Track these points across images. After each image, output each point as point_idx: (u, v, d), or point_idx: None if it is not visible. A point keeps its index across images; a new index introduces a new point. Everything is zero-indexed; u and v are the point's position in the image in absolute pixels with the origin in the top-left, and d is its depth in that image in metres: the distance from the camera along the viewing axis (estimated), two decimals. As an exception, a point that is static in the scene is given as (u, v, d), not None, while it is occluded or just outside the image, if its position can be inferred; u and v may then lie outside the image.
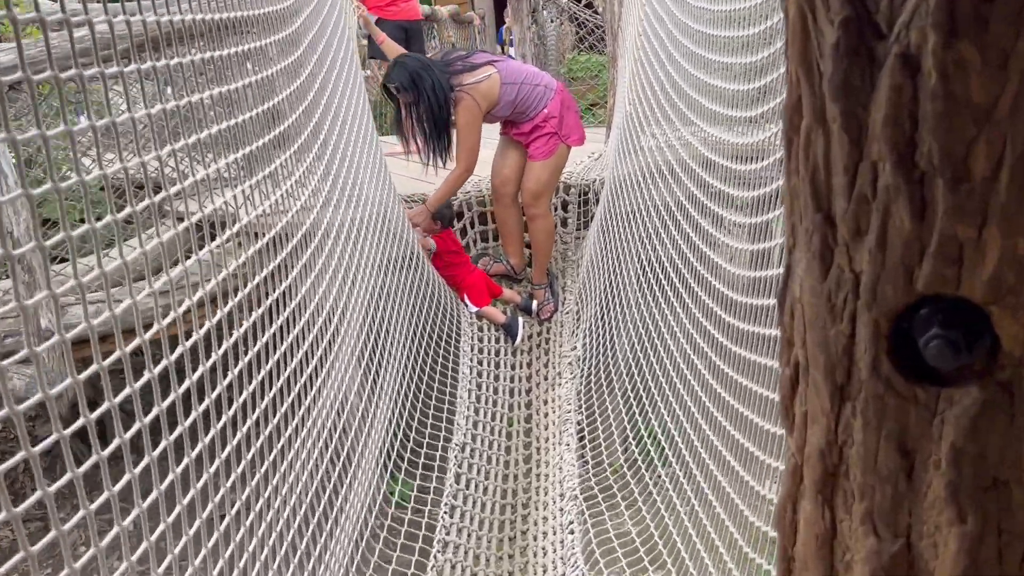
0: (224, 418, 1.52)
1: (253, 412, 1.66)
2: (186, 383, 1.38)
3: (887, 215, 0.43)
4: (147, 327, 1.26)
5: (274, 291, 1.83)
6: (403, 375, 3.05)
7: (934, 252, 0.42)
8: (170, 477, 1.34)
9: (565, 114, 3.70)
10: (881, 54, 0.42)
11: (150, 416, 1.25)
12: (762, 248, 2.14)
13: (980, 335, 0.43)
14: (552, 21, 7.94)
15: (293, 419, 1.93)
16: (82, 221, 1.13)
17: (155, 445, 1.27)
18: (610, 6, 4.55)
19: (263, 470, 1.70)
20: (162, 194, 1.37)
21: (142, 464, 1.25)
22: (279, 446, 1.81)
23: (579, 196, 4.32)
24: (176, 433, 1.34)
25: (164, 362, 1.30)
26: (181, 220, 1.48)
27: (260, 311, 1.72)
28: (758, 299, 2.05)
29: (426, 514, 2.70)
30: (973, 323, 0.43)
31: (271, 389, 1.78)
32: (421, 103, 3.56)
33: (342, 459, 2.26)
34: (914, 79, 0.40)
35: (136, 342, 1.22)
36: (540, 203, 3.85)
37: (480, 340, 3.73)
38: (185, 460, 1.40)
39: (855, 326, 0.47)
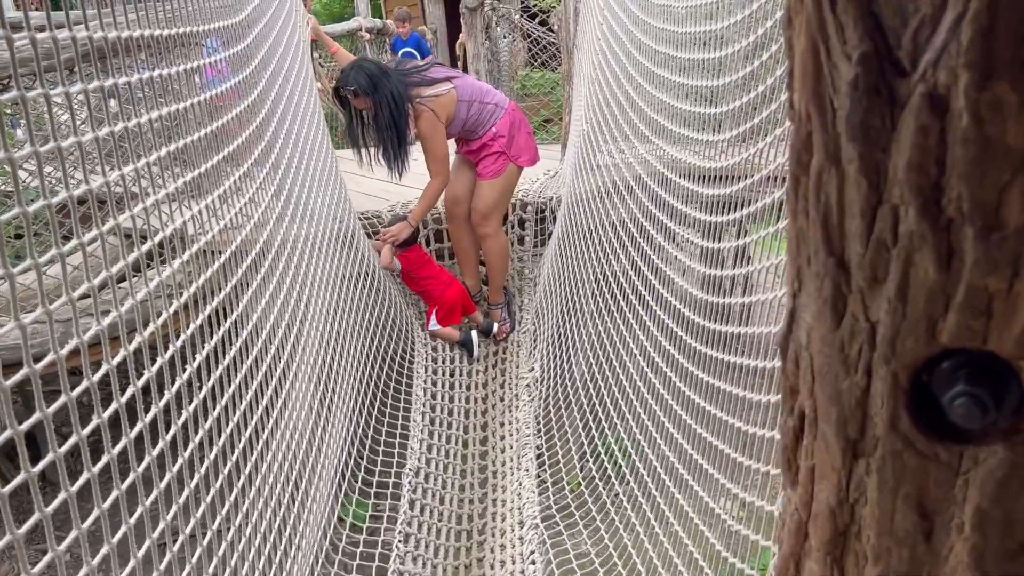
0: (167, 435, 1.45)
1: (218, 436, 1.59)
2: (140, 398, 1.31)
3: (909, 263, 0.40)
4: (87, 347, 1.18)
5: (225, 312, 1.76)
6: (358, 397, 2.99)
7: (960, 304, 0.39)
8: (113, 494, 1.27)
9: (515, 134, 3.67)
10: (904, 93, 0.39)
11: (118, 448, 1.18)
12: (715, 273, 2.14)
13: (1007, 391, 0.40)
14: (505, 37, 7.94)
15: (257, 443, 1.87)
16: (19, 236, 1.06)
17: (91, 466, 1.20)
18: (565, 25, 4.55)
19: (226, 493, 1.64)
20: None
21: (79, 482, 1.18)
22: (246, 471, 1.74)
23: (535, 214, 4.30)
24: (121, 449, 1.27)
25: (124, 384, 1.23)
26: (128, 237, 1.42)
27: (218, 334, 1.66)
28: (712, 323, 2.05)
29: (379, 543, 2.63)
30: (1000, 379, 0.40)
31: (231, 415, 1.72)
32: (380, 110, 3.48)
33: (303, 483, 2.19)
34: (942, 120, 0.38)
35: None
36: (490, 222, 3.80)
37: (434, 361, 3.67)
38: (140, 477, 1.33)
39: (871, 378, 0.44)
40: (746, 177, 1.95)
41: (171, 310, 1.49)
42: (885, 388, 0.43)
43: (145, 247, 1.43)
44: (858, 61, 0.40)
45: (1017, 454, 0.41)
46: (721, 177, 2.12)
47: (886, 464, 0.44)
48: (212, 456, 1.64)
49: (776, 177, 1.77)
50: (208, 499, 1.60)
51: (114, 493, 1.27)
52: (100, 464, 1.22)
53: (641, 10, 2.62)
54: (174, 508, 1.47)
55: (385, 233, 3.75)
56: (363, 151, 3.64)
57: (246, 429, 1.80)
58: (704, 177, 2.18)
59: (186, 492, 1.51)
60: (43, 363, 1.08)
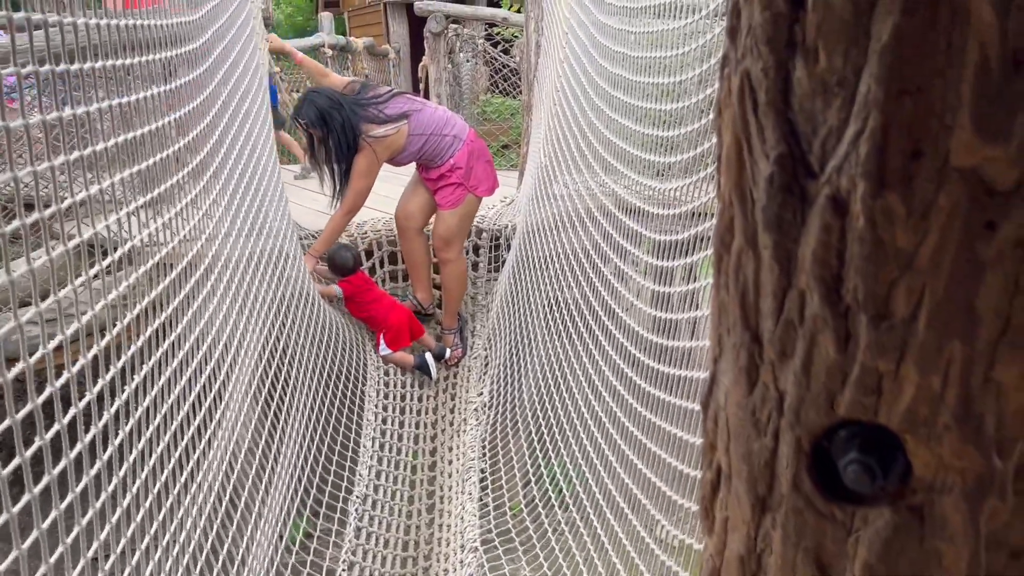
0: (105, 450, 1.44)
1: (149, 454, 1.59)
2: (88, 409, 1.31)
3: (813, 342, 0.45)
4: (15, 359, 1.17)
5: (162, 324, 1.75)
6: (309, 418, 2.97)
7: (855, 381, 0.44)
8: (52, 515, 1.26)
9: (474, 164, 3.72)
10: (812, 192, 0.44)
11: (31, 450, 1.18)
12: (664, 291, 2.20)
13: (895, 460, 0.45)
14: (468, 62, 8.03)
15: (188, 461, 1.86)
16: None
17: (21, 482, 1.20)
18: (527, 56, 4.64)
19: (154, 512, 1.62)
20: (50, 210, 1.29)
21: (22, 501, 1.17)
22: (175, 491, 1.73)
23: (491, 241, 4.35)
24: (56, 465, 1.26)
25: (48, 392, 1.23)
26: (76, 247, 1.41)
27: (156, 346, 1.65)
28: (656, 361, 2.10)
29: (324, 570, 2.62)
30: (889, 449, 0.45)
31: (162, 430, 1.70)
32: (330, 139, 3.54)
33: (242, 503, 2.18)
34: (842, 220, 0.43)
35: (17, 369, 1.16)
36: (451, 248, 3.85)
37: (386, 385, 3.68)
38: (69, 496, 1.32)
39: (778, 442, 0.49)
40: (699, 219, 2.02)
41: (119, 327, 1.49)
42: (790, 451, 0.48)
43: (57, 249, 1.43)
44: (775, 161, 0.45)
45: (901, 517, 0.45)
46: (674, 219, 2.19)
47: (789, 520, 0.49)
48: (143, 475, 1.61)
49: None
50: (138, 518, 1.58)
51: (52, 514, 1.26)
52: (40, 486, 1.21)
53: (600, 54, 2.70)
54: (107, 528, 1.46)
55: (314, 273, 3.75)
56: (323, 172, 3.67)
57: (176, 448, 1.78)
58: (655, 218, 2.25)
59: (119, 511, 1.49)
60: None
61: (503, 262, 4.27)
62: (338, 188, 3.64)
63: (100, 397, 1.40)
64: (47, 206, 1.25)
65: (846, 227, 0.42)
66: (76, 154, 1.32)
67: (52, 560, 1.21)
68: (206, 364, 2.01)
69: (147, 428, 1.61)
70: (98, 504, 1.38)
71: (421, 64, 7.86)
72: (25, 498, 1.16)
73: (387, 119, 3.57)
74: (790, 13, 0.44)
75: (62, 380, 1.25)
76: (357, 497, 2.91)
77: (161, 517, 1.68)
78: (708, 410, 0.57)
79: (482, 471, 2.98)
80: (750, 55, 0.46)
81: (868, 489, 0.45)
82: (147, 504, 1.60)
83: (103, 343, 1.42)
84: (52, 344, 1.25)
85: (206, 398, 2.00)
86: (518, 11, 7.94)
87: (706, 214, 2.02)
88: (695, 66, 2.05)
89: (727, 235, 0.50)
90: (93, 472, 1.37)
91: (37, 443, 1.20)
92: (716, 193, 0.54)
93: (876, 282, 0.42)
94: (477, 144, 3.77)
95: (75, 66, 1.36)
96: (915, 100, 0.40)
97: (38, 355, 1.19)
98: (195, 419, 1.91)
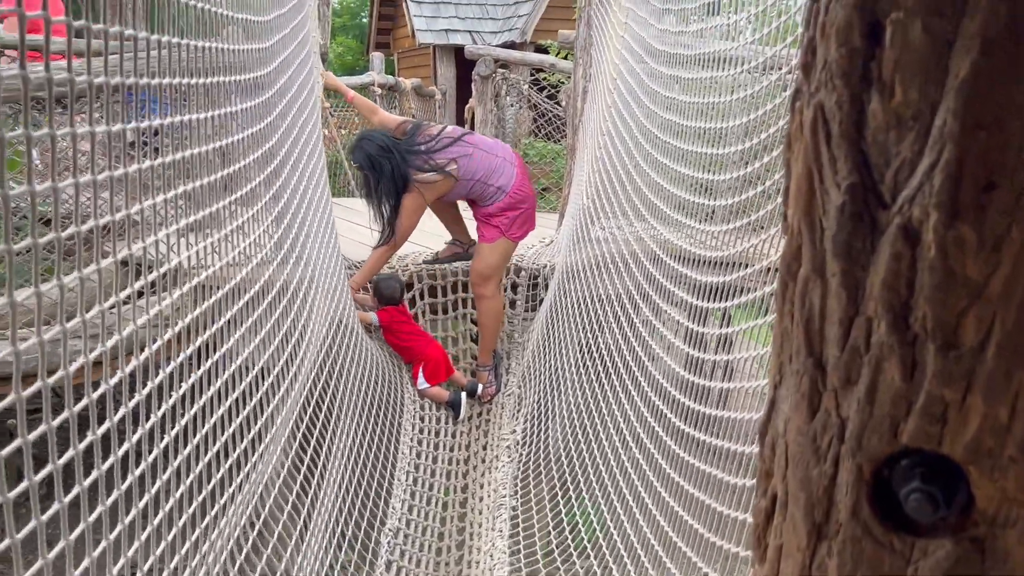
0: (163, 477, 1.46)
1: (186, 474, 1.60)
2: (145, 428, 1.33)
3: (878, 370, 0.46)
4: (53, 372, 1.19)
5: (205, 345, 1.77)
6: (349, 451, 2.97)
7: (920, 410, 0.45)
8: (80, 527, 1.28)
9: (514, 215, 3.79)
10: (883, 222, 0.45)
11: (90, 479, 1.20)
12: (698, 355, 2.19)
13: (957, 491, 0.46)
14: (512, 106, 8.16)
15: (226, 487, 1.87)
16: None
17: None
18: (573, 101, 4.70)
19: (188, 532, 1.64)
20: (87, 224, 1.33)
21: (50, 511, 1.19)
22: (211, 512, 1.74)
23: (529, 280, 4.38)
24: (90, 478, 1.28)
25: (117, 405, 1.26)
26: (124, 264, 1.45)
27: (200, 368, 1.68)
28: (693, 402, 2.10)
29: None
30: (951, 479, 0.45)
31: (201, 451, 1.71)
32: (381, 183, 3.67)
33: (276, 532, 2.18)
34: (913, 249, 0.44)
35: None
36: (488, 284, 3.89)
37: (421, 419, 3.69)
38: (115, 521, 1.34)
39: (838, 469, 0.49)
40: (736, 267, 2.03)
41: (159, 342, 1.52)
42: (850, 479, 0.49)
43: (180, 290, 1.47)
44: (846, 190, 0.46)
45: (962, 549, 0.45)
46: (711, 263, 2.20)
47: (846, 548, 0.49)
48: (178, 494, 1.61)
49: (768, 270, 1.84)
50: (169, 537, 1.57)
51: (81, 526, 1.27)
52: (71, 495, 1.22)
53: (649, 98, 2.74)
54: (136, 544, 1.45)
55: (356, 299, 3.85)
56: (376, 213, 3.77)
57: (215, 472, 1.78)
58: (694, 261, 2.26)
59: (148, 529, 1.49)
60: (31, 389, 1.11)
61: (540, 301, 4.30)
62: (386, 225, 3.74)
63: (136, 413, 1.42)
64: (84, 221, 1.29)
65: (917, 256, 0.43)
66: (119, 171, 1.36)
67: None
68: (253, 389, 2.03)
69: (184, 448, 1.63)
70: (127, 519, 1.39)
71: (468, 106, 7.99)
72: (54, 507, 1.17)
73: (435, 167, 3.66)
74: (866, 49, 0.45)
75: (98, 392, 1.27)
76: (389, 530, 2.90)
77: (194, 539, 1.68)
78: (765, 437, 0.57)
79: (513, 509, 2.96)
80: (824, 88, 0.48)
81: (929, 519, 0.46)
82: (180, 525, 1.60)
83: (141, 358, 1.44)
84: (92, 355, 1.28)
85: (254, 422, 2.02)
86: (565, 58, 8.07)
87: (742, 264, 2.03)
88: (739, 116, 2.08)
89: (794, 263, 0.51)
90: (124, 486, 1.38)
91: (69, 453, 1.21)
92: (782, 224, 0.56)
93: (945, 311, 0.43)
94: (521, 193, 3.82)
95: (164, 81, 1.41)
96: (990, 134, 0.41)
97: (75, 365, 1.22)
98: (239, 443, 1.93)
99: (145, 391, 1.45)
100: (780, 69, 1.97)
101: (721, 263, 2.10)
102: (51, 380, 1.13)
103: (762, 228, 1.95)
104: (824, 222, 0.48)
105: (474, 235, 4.10)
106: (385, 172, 3.61)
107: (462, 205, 4.21)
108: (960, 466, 0.45)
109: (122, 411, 1.34)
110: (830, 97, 0.47)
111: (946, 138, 0.42)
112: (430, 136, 3.78)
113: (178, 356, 1.60)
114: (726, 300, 2.08)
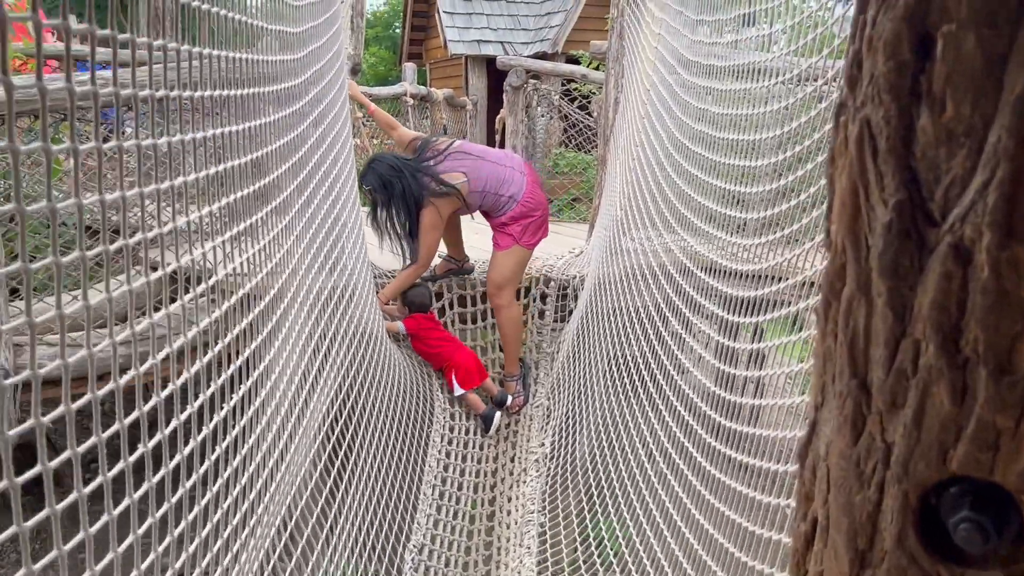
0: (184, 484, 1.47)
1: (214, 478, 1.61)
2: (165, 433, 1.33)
3: (926, 393, 0.44)
4: (102, 377, 1.20)
5: (238, 353, 1.77)
6: (375, 463, 2.96)
7: (971, 436, 0.43)
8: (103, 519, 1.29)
9: (526, 223, 3.84)
10: (932, 240, 0.43)
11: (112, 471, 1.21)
12: (729, 371, 2.16)
13: (1008, 520, 0.44)
14: (543, 116, 8.15)
15: (251, 491, 1.87)
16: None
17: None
18: (605, 112, 4.69)
19: (209, 541, 1.64)
20: (137, 237, 1.33)
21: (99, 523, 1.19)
22: (234, 520, 1.74)
23: (558, 290, 4.36)
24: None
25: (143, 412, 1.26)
26: (155, 269, 1.46)
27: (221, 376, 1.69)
28: (724, 418, 2.07)
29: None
30: (1003, 508, 0.44)
31: (233, 458, 1.72)
32: (392, 205, 3.73)
33: (300, 545, 2.18)
34: (964, 269, 0.42)
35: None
36: (504, 294, 3.92)
37: (450, 430, 3.68)
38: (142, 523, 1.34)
39: (882, 495, 0.48)
40: (769, 280, 2.00)
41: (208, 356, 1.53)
42: (896, 505, 0.47)
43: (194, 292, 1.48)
44: (894, 207, 0.45)
45: (1015, 581, 0.44)
46: (743, 277, 2.17)
47: (891, 578, 0.47)
48: (204, 501, 1.60)
49: (803, 284, 1.81)
50: (190, 549, 1.56)
51: (104, 517, 1.27)
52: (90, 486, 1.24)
53: (681, 109, 2.72)
54: (167, 540, 1.45)
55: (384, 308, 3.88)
56: (385, 236, 3.82)
57: (243, 475, 1.79)
58: (727, 274, 2.23)
59: (168, 540, 1.49)
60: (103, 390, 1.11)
61: (569, 312, 4.28)
62: (403, 246, 3.81)
63: (188, 423, 1.43)
64: (133, 233, 1.30)
65: (968, 277, 0.42)
66: (162, 184, 1.37)
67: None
68: (277, 398, 2.04)
69: (233, 458, 1.63)
70: (141, 529, 1.39)
71: (499, 116, 8.01)
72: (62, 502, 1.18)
73: (444, 182, 3.73)
74: (915, 63, 0.44)
75: (149, 404, 1.28)
76: (414, 546, 2.88)
77: (217, 548, 1.68)
78: (805, 460, 0.56)
79: (541, 525, 2.93)
80: (871, 103, 0.47)
81: (979, 550, 0.44)
82: (203, 535, 1.60)
83: (192, 370, 1.45)
84: (146, 364, 1.29)
85: (281, 431, 2.02)
86: (596, 68, 8.05)
87: (775, 277, 2.01)
88: (773, 128, 2.05)
89: (837, 281, 0.50)
90: (140, 492, 1.39)
91: (121, 465, 1.22)
92: (824, 240, 0.54)
93: (999, 335, 0.41)
94: (532, 202, 3.86)
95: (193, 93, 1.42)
96: (1048, 151, 0.39)
97: (129, 375, 1.23)
98: (262, 453, 1.93)
99: (197, 403, 1.45)
100: (816, 81, 1.95)
101: (754, 276, 2.07)
102: (101, 392, 1.14)
103: (796, 241, 1.92)
104: (870, 240, 0.47)
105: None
106: (396, 193, 3.69)
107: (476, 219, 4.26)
108: (1012, 495, 0.43)
109: (174, 423, 1.34)
110: (877, 112, 0.46)
111: (1000, 155, 0.40)
112: (437, 151, 3.85)
113: (228, 368, 1.61)
114: (758, 314, 2.05)
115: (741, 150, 2.19)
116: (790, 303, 1.88)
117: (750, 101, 2.24)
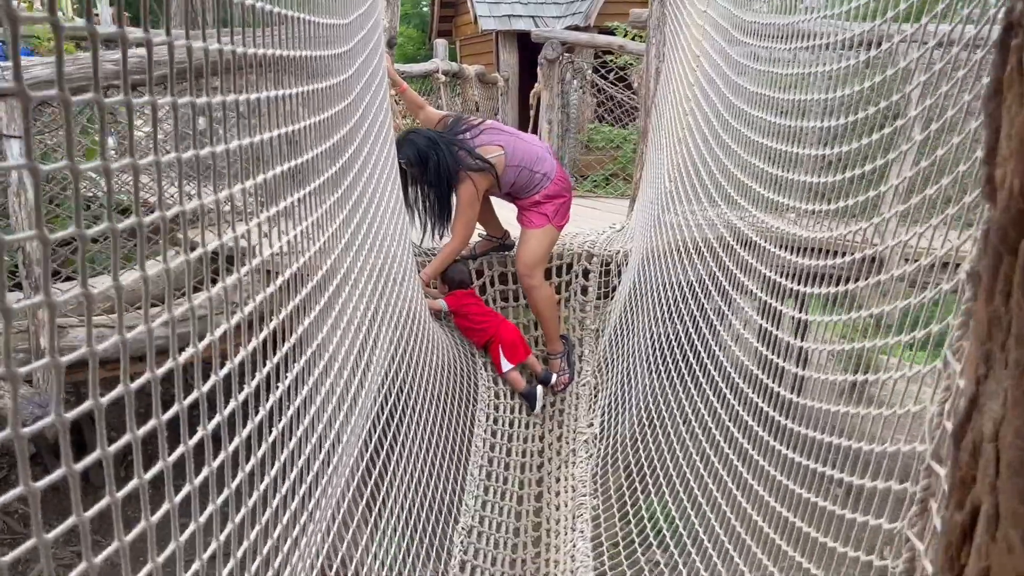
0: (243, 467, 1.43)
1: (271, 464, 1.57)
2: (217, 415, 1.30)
3: None
4: (141, 358, 1.16)
5: (290, 334, 1.73)
6: (423, 444, 2.93)
7: None
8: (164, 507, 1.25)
9: (558, 203, 3.82)
10: None
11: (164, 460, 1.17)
12: (773, 326, 2.10)
13: None
14: (577, 91, 8.03)
15: (308, 475, 1.84)
16: (95, 241, 1.04)
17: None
18: (645, 82, 4.58)
19: (272, 528, 1.61)
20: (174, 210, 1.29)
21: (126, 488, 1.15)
22: (293, 504, 1.71)
23: (600, 266, 4.29)
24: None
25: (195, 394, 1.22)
26: (194, 249, 1.41)
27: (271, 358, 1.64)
28: (767, 398, 2.00)
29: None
30: None
31: (282, 443, 1.68)
32: (427, 179, 3.68)
33: (352, 529, 2.16)
34: None
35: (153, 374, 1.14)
36: (535, 274, 3.89)
37: (496, 409, 3.64)
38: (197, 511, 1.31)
39: (1074, 480, 0.41)
40: (825, 254, 1.92)
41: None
42: (1094, 492, 0.40)
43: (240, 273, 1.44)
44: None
45: None
46: (803, 250, 2.09)
47: (1087, 575, 0.41)
48: (262, 488, 1.57)
49: (863, 260, 1.72)
50: (252, 536, 1.54)
51: (164, 505, 1.24)
52: (152, 471, 1.20)
53: (736, 72, 2.62)
54: (229, 527, 1.43)
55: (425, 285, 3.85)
56: (416, 212, 3.79)
57: (300, 458, 1.76)
58: (790, 246, 2.14)
59: (229, 527, 1.46)
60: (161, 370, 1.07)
61: (612, 288, 4.21)
62: (434, 223, 3.78)
63: (245, 405, 1.39)
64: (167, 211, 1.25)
65: None
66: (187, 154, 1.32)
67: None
68: (331, 380, 2.00)
69: (289, 441, 1.60)
70: (203, 517, 1.36)
71: (533, 91, 7.89)
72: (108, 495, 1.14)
73: (480, 156, 3.69)
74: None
75: (208, 384, 1.24)
76: (463, 528, 2.85)
77: (276, 533, 1.65)
78: (963, 439, 0.49)
79: (594, 508, 2.87)
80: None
81: None
82: (263, 520, 1.57)
83: (249, 348, 1.41)
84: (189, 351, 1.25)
85: (337, 413, 1.99)
86: (633, 38, 7.90)
87: (827, 250, 1.93)
88: (843, 88, 1.96)
89: (1012, 231, 0.43)
90: (199, 480, 1.35)
91: (159, 465, 1.18)
92: (985, 187, 0.47)
93: None
94: (563, 183, 3.86)
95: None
96: None
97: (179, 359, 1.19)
98: (329, 433, 1.90)
99: (253, 383, 1.41)
100: (879, 46, 1.85)
101: (815, 249, 1.99)
102: (160, 371, 1.09)
103: (856, 216, 1.84)
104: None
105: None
106: (431, 165, 3.64)
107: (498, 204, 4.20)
108: None
109: (232, 404, 1.30)
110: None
111: None
112: (472, 125, 3.83)
113: (281, 348, 1.57)
114: (809, 286, 1.97)
115: (812, 111, 2.09)
116: (844, 280, 1.81)
117: (812, 65, 2.14)
